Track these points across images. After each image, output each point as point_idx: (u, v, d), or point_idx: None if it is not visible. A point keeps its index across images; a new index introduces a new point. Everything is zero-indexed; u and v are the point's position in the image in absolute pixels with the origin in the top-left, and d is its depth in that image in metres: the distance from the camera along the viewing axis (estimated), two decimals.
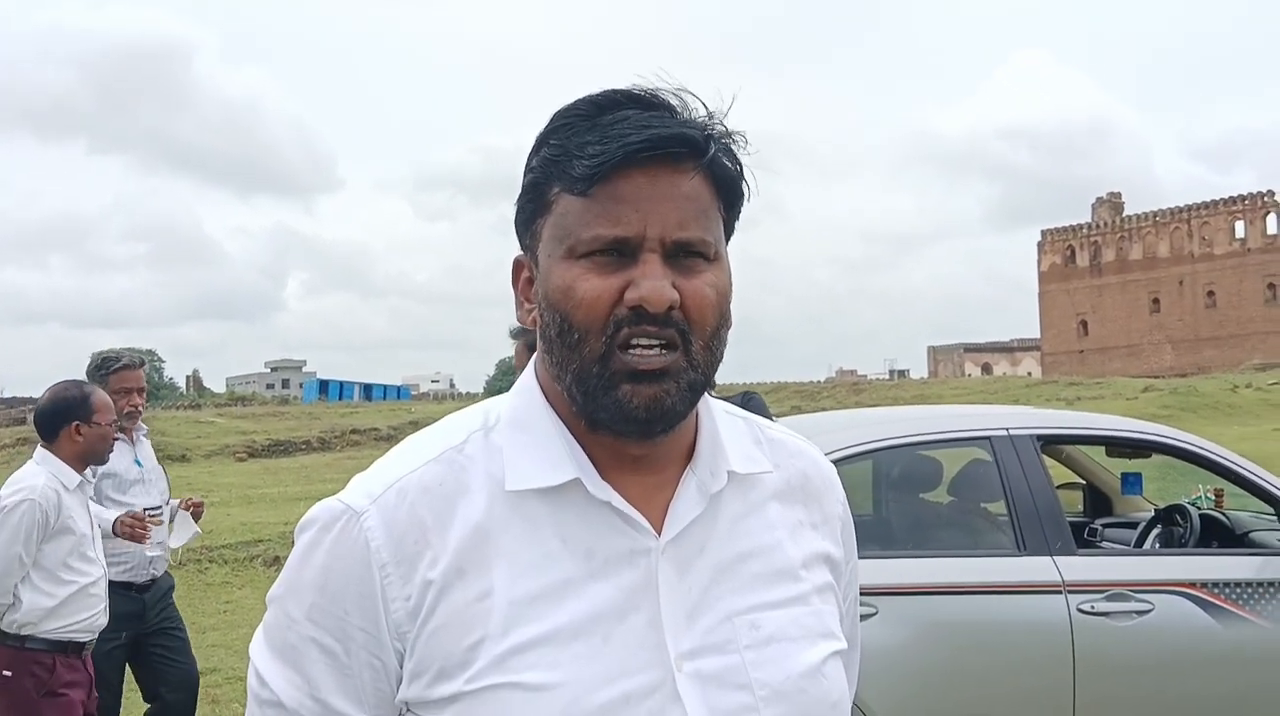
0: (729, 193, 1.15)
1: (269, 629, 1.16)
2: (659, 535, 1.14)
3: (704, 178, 1.12)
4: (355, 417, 44.49)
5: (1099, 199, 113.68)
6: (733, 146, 1.16)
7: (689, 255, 1.10)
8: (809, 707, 1.15)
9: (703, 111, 1.14)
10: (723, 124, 1.15)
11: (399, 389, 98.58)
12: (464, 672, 1.07)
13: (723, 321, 1.14)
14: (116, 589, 4.84)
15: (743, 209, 1.19)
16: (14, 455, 33.55)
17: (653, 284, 1.07)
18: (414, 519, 1.11)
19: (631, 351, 1.08)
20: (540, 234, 1.14)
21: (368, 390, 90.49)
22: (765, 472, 1.24)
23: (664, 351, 1.09)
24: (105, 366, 5.27)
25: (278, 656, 1.13)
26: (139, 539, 4.86)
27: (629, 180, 1.08)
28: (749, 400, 4.35)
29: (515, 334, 4.48)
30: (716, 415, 1.24)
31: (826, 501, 1.30)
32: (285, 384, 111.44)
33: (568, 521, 1.13)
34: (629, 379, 1.08)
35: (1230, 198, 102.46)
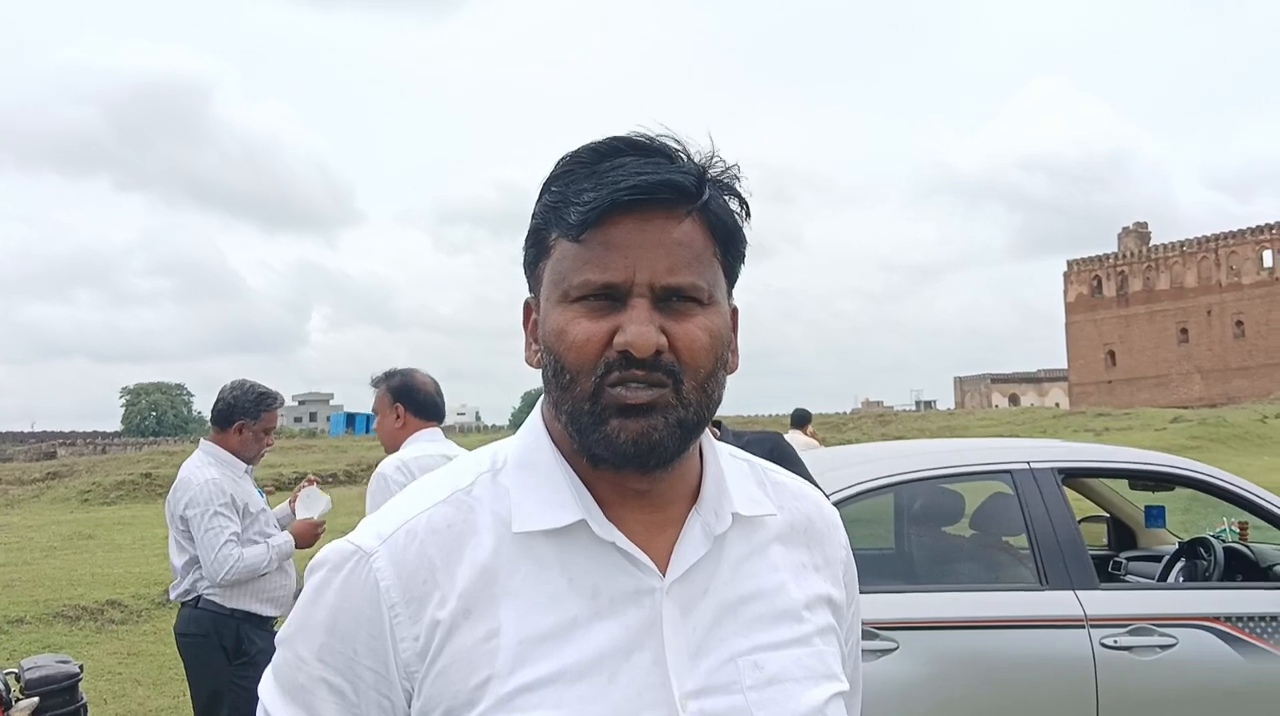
0: (725, 238, 1.16)
1: (278, 669, 1.17)
2: (663, 574, 1.15)
3: (698, 223, 1.13)
4: (381, 451, 44.53)
5: (1125, 229, 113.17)
6: (735, 186, 1.18)
7: (681, 300, 1.12)
8: None
9: (703, 157, 1.16)
10: (723, 163, 1.17)
11: None
12: (470, 711, 1.08)
13: (719, 364, 1.15)
14: (267, 624, 4.89)
15: (745, 251, 1.20)
16: (43, 489, 33.76)
17: (638, 329, 1.08)
18: (423, 559, 1.13)
19: (620, 387, 1.10)
20: (542, 277, 1.17)
21: None
22: (769, 515, 1.26)
23: (653, 388, 1.10)
24: (263, 403, 5.08)
25: (287, 696, 1.14)
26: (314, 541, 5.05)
27: (619, 227, 1.10)
28: (775, 446, 4.30)
29: (376, 383, 4.76)
30: (721, 457, 1.26)
31: (829, 545, 1.32)
32: (313, 417, 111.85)
33: (574, 561, 1.14)
34: (617, 414, 1.10)
35: (1258, 227, 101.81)
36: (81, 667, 4.76)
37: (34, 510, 28.24)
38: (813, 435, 13.04)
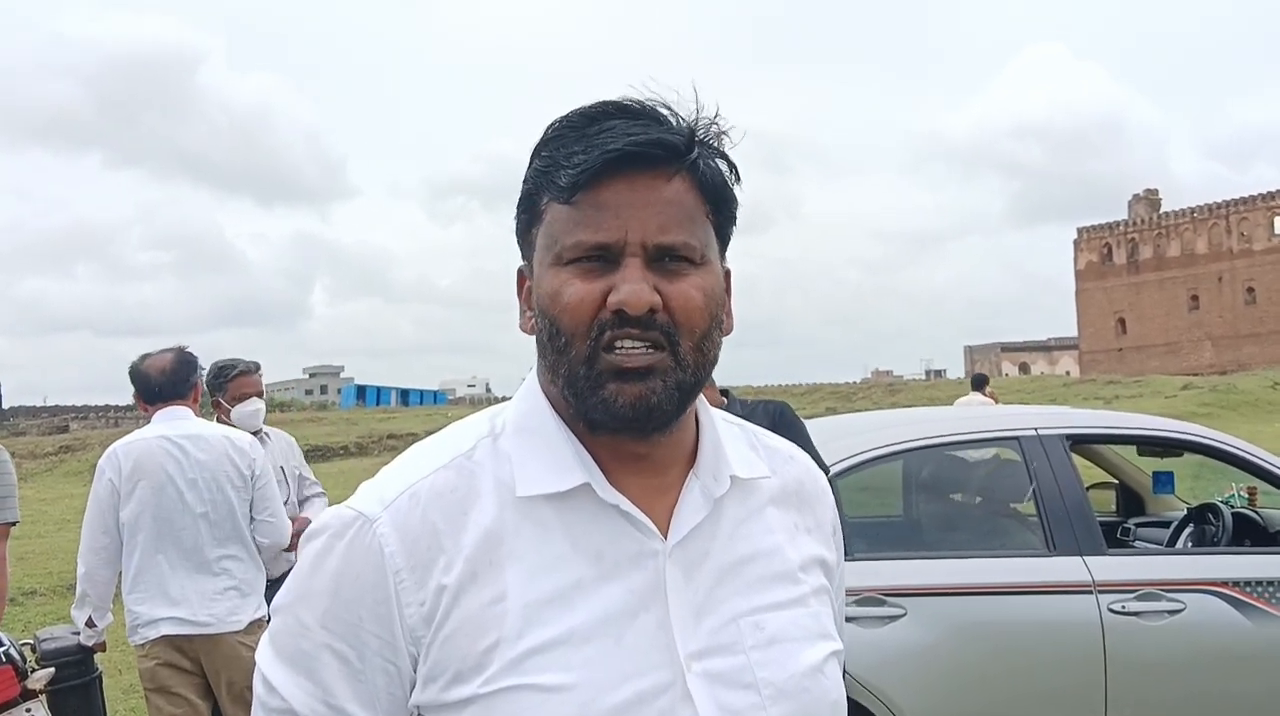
0: (715, 197, 1.16)
1: (277, 636, 1.16)
2: (664, 537, 1.16)
3: (689, 183, 1.13)
4: (392, 422, 44.58)
5: (1135, 196, 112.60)
6: (725, 149, 1.17)
7: (674, 259, 1.12)
8: (811, 706, 1.18)
9: (692, 117, 1.16)
10: (717, 126, 1.17)
11: (435, 393, 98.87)
12: (480, 675, 1.09)
13: (713, 323, 1.15)
14: (274, 588, 4.90)
15: (736, 213, 1.20)
16: (56, 463, 33.92)
17: (632, 287, 1.09)
18: (427, 524, 1.13)
19: (616, 351, 1.10)
20: (535, 243, 1.17)
21: (405, 395, 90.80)
22: (764, 477, 1.27)
23: (650, 350, 1.10)
24: (223, 374, 5.53)
25: (288, 663, 1.14)
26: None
27: (609, 187, 1.11)
28: (781, 414, 4.31)
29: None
30: (716, 421, 1.27)
31: (819, 507, 1.34)
32: (323, 390, 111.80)
33: (577, 525, 1.14)
34: (615, 377, 1.10)
35: (1269, 193, 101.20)
36: None
37: (47, 483, 28.37)
38: (991, 395, 14.04)
